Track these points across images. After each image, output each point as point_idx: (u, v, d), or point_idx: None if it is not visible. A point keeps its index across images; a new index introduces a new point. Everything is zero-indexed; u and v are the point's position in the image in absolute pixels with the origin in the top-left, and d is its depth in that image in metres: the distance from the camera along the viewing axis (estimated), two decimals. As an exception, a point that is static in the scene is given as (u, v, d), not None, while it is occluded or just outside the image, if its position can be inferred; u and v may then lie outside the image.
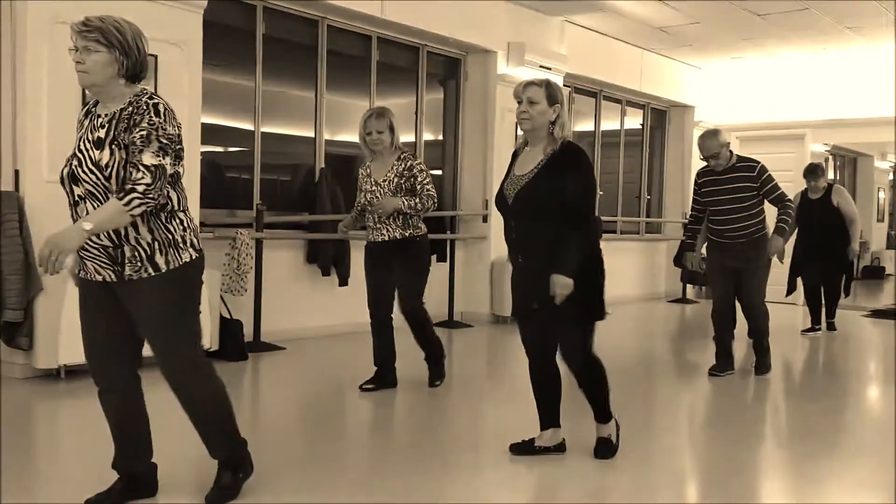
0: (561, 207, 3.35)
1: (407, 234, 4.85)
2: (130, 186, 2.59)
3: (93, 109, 2.81)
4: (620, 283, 10.61)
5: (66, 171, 2.76)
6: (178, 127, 2.73)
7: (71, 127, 5.11)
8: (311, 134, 7.36)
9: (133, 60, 2.72)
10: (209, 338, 5.68)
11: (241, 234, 6.18)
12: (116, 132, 2.67)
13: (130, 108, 2.69)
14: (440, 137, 8.81)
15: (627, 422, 3.92)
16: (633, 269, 11.19)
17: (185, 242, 2.79)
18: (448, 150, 8.84)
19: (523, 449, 3.68)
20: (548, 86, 3.46)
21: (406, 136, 8.37)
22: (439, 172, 8.67)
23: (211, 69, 6.14)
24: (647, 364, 6.76)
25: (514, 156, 3.63)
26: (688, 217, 6.00)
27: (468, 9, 8.07)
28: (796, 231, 7.79)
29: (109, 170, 2.65)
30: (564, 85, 9.41)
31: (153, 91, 2.80)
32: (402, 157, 4.87)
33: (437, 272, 7.92)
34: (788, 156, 10.93)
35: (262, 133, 6.94)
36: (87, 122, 2.80)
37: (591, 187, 3.51)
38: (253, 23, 6.79)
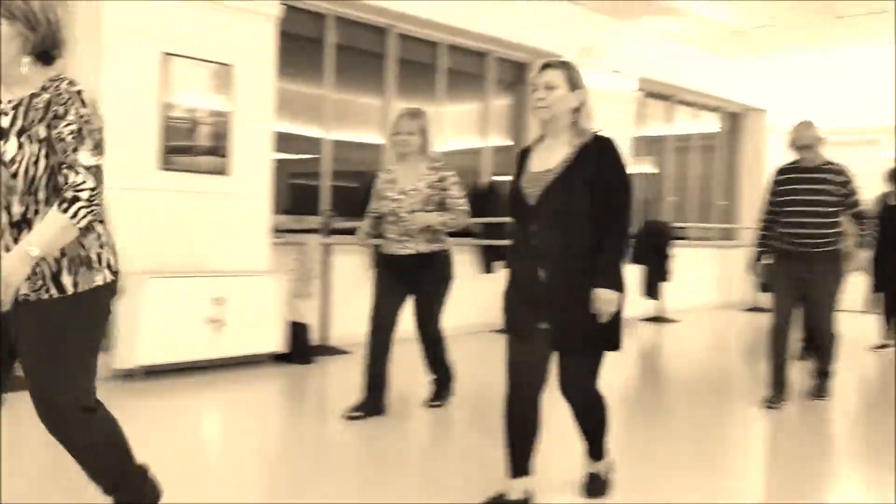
0: (597, 208, 2.85)
1: (434, 248, 4.41)
2: (72, 194, 2.13)
3: None
4: (693, 291, 10.41)
5: None
6: (102, 119, 2.28)
7: (144, 134, 5.36)
8: (379, 141, 7.45)
9: (41, 35, 2.23)
10: (278, 340, 5.81)
11: (309, 239, 6.29)
12: (26, 122, 2.19)
13: (47, 96, 2.21)
14: (509, 143, 8.80)
15: (648, 450, 3.78)
16: (706, 276, 10.96)
17: (100, 261, 2.30)
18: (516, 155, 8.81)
19: None
20: (568, 68, 2.97)
21: (474, 142, 8.39)
22: (508, 178, 8.64)
23: (281, 77, 6.27)
24: (701, 381, 6.57)
25: (524, 154, 3.08)
26: (761, 221, 5.41)
27: (536, 13, 8.05)
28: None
29: (16, 166, 2.17)
30: (638, 89, 9.32)
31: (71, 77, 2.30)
32: (434, 166, 4.42)
33: (501, 278, 7.91)
34: (863, 161, 10.55)
35: (332, 140, 7.05)
36: None
37: (628, 182, 2.96)
38: (323, 32, 6.92)
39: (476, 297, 7.27)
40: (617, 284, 2.83)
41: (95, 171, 2.17)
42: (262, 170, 6.03)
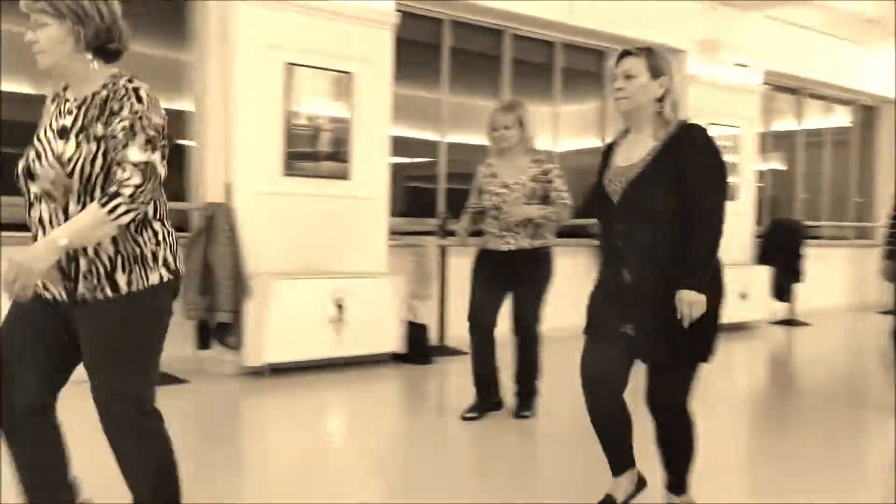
0: (687, 204, 2.62)
1: (536, 245, 4.26)
2: (115, 189, 2.06)
3: (62, 93, 2.27)
4: (826, 292, 9.89)
5: (21, 166, 2.20)
6: (164, 118, 2.19)
7: (271, 141, 5.58)
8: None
9: (94, 29, 2.17)
10: (396, 341, 5.92)
11: (425, 241, 6.38)
12: (86, 120, 2.15)
13: (105, 93, 2.17)
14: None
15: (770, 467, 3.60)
16: (840, 277, 10.39)
17: (155, 259, 2.22)
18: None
19: None
20: (649, 55, 2.72)
21: (592, 141, 8.28)
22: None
23: (398, 83, 6.38)
24: (834, 386, 6.19)
25: (610, 148, 2.89)
26: (891, 219, 5.14)
27: (655, 8, 7.86)
28: None
29: (72, 165, 2.12)
30: (764, 83, 8.95)
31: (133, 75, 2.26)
32: (537, 159, 4.30)
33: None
34: None
35: (448, 143, 7.13)
36: (52, 108, 2.26)
37: (724, 175, 2.74)
38: (439, 36, 7.00)
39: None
40: (704, 286, 2.60)
41: (144, 168, 2.09)
42: (380, 173, 6.16)
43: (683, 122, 2.72)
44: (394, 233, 6.34)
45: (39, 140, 2.20)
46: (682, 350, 2.67)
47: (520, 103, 4.36)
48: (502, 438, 4.13)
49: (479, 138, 7.73)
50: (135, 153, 2.09)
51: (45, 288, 2.18)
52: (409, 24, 6.56)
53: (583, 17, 7.32)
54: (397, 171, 6.69)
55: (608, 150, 2.88)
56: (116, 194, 2.06)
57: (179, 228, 5.47)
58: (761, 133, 9.31)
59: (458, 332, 6.56)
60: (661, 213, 2.64)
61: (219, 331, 5.36)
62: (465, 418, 4.34)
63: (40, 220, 2.16)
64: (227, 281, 5.27)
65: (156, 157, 2.12)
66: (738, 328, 8.20)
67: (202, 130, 5.64)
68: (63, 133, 2.16)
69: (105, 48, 2.21)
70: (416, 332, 6.13)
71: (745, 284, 8.03)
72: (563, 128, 7.98)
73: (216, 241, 5.28)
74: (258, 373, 5.35)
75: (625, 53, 2.74)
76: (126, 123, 2.11)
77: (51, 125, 2.21)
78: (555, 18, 7.24)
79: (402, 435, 4.43)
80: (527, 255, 4.25)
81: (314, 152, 5.77)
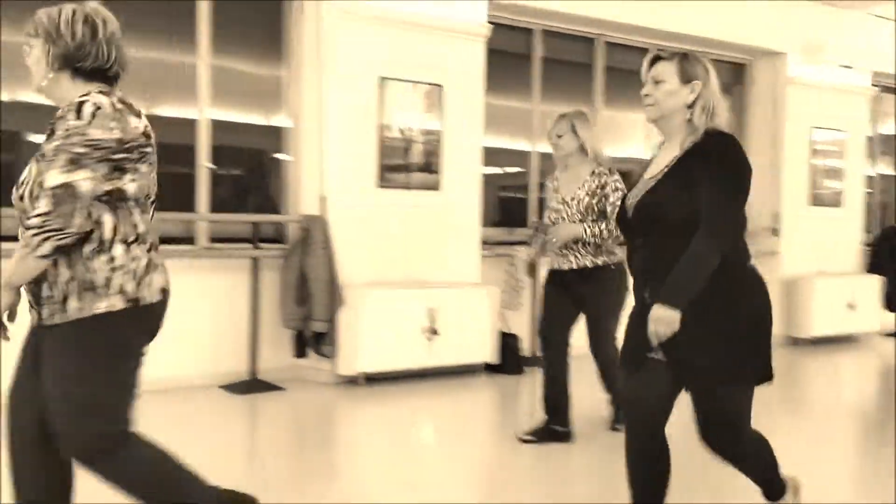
0: (700, 217, 2.41)
1: (599, 262, 4.03)
2: (27, 220, 2.01)
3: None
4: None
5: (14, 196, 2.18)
6: (122, 129, 2.08)
7: (365, 154, 5.69)
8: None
9: (62, 48, 2.11)
10: (489, 352, 5.92)
11: (517, 251, 6.36)
12: (45, 141, 2.10)
13: (60, 112, 2.09)
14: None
15: None
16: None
17: (108, 286, 2.09)
18: (733, 160, 8.40)
19: None
20: (682, 59, 2.52)
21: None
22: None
23: (489, 93, 6.40)
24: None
25: (651, 160, 2.73)
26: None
27: (752, 10, 7.63)
28: None
29: (23, 189, 2.10)
30: (872, 84, 8.55)
31: (113, 92, 2.17)
32: (596, 171, 4.06)
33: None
34: None
35: (539, 153, 7.10)
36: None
37: (736, 187, 2.46)
38: (530, 46, 6.99)
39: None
40: (678, 302, 2.34)
41: (57, 192, 1.97)
42: (472, 184, 6.19)
43: (710, 129, 2.50)
44: (486, 243, 6.36)
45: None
46: (736, 371, 2.43)
47: (577, 112, 4.16)
48: (594, 455, 4.06)
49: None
50: (52, 177, 1.99)
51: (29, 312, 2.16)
52: (501, 34, 6.58)
53: (676, 21, 7.18)
54: (489, 181, 6.70)
55: (650, 161, 2.72)
56: (28, 226, 2.00)
57: (276, 241, 5.69)
58: (869, 137, 8.90)
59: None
60: (675, 228, 2.43)
61: (315, 340, 5.48)
62: (521, 440, 4.11)
63: None
64: (322, 291, 5.39)
65: (80, 176, 1.99)
66: (846, 340, 7.84)
67: (298, 145, 5.80)
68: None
69: (80, 67, 2.14)
70: (508, 342, 6.11)
71: (853, 294, 7.68)
72: (657, 136, 7.82)
73: (311, 252, 5.41)
74: (353, 381, 5.44)
75: (656, 58, 2.56)
76: (54, 144, 2.04)
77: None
78: (647, 25, 7.11)
79: (491, 444, 4.42)
80: (589, 273, 4.06)
81: (406, 164, 5.85)
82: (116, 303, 2.10)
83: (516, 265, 6.35)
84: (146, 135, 2.16)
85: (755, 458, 2.61)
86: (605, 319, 4.12)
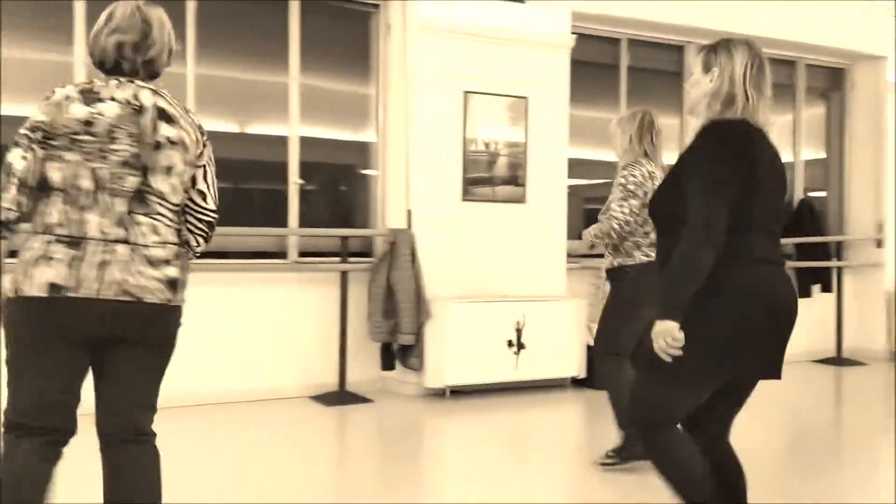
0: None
1: (616, 265, 3.87)
2: None
3: None
4: None
5: None
6: (54, 115, 2.11)
7: (450, 168, 5.72)
8: (673, 159, 7.22)
9: (89, 51, 2.27)
10: (576, 365, 5.84)
11: (602, 263, 6.26)
12: None
13: None
14: (823, 155, 8.08)
15: None
16: None
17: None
18: (832, 168, 8.08)
19: None
20: (708, 49, 2.45)
21: (784, 156, 7.82)
22: (823, 193, 7.99)
23: (574, 104, 6.34)
24: None
25: None
26: None
27: (851, 13, 7.34)
28: None
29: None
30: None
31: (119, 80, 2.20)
32: (626, 165, 3.92)
33: (822, 303, 7.28)
34: None
35: (627, 163, 6.99)
36: None
37: (711, 177, 2.28)
38: (616, 56, 6.91)
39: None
40: (670, 312, 2.24)
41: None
42: (558, 197, 6.15)
43: (715, 119, 2.39)
44: (571, 255, 6.29)
45: None
46: (637, 359, 2.44)
47: (630, 112, 4.02)
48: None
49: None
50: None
51: None
52: (585, 44, 6.53)
53: (770, 26, 6.96)
54: (574, 192, 6.64)
55: None
56: None
57: (364, 254, 5.79)
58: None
59: (640, 356, 6.42)
60: (664, 226, 2.42)
61: (402, 353, 5.53)
62: (602, 464, 3.81)
63: None
64: (408, 304, 5.44)
65: (13, 154, 2.10)
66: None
67: (384, 159, 5.89)
68: None
69: (100, 65, 2.24)
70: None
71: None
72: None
73: (398, 265, 5.48)
74: (440, 394, 5.47)
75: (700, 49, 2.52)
76: None
77: None
78: (739, 30, 6.92)
79: (575, 460, 4.35)
80: (610, 274, 3.96)
81: (491, 177, 5.86)
82: (7, 288, 2.12)
83: (602, 277, 6.26)
84: (87, 122, 2.11)
85: (664, 464, 2.42)
86: (610, 324, 3.92)
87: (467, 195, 5.77)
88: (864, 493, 3.74)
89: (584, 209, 7.16)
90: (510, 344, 5.59)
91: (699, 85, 2.44)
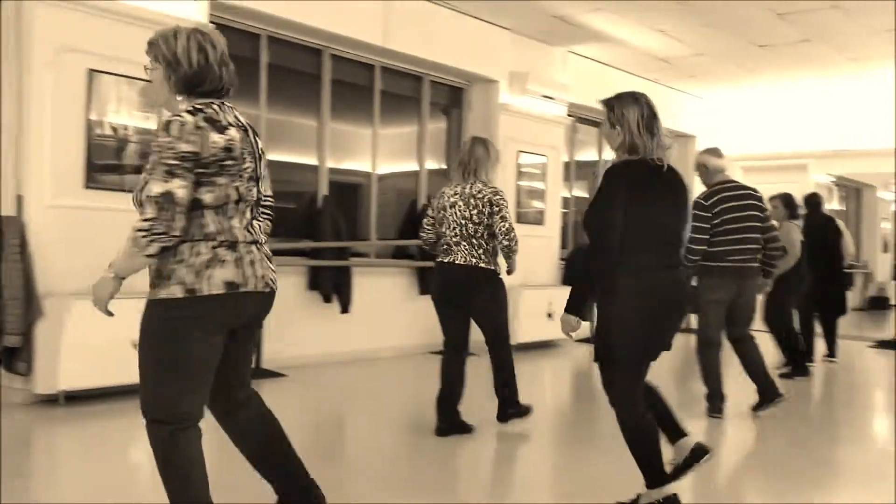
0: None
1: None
2: (137, 224, 2.37)
3: None
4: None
5: None
6: (201, 144, 2.39)
7: (73, 153, 5.20)
8: (314, 161, 7.40)
9: (182, 74, 2.48)
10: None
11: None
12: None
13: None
14: (444, 166, 8.84)
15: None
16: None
17: (170, 278, 2.47)
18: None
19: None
20: (609, 109, 3.18)
21: (409, 165, 8.41)
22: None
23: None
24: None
25: None
26: None
27: (471, 39, 8.15)
28: None
29: (133, 195, 2.48)
30: (568, 114, 9.46)
31: (209, 106, 2.48)
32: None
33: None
34: (792, 185, 10.95)
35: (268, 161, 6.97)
36: None
37: (598, 212, 3.04)
38: (257, 52, 6.86)
39: (415, 317, 7.29)
40: (568, 307, 3.15)
41: (158, 200, 2.33)
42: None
43: (615, 162, 3.16)
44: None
45: None
46: (596, 351, 3.15)
47: (472, 139, 4.90)
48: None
49: (297, 157, 7.66)
50: (154, 186, 2.35)
51: None
52: (226, 37, 6.37)
53: (399, 42, 7.45)
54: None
55: None
56: (137, 229, 2.35)
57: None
58: (566, 162, 9.85)
59: (276, 354, 6.44)
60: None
61: (6, 356, 4.91)
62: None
63: None
64: (13, 301, 4.84)
65: (174, 184, 2.34)
66: (544, 346, 8.59)
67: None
68: None
69: (199, 91, 2.50)
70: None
71: (552, 304, 8.43)
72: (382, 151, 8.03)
73: (4, 257, 4.84)
74: (52, 401, 4.94)
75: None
76: (152, 158, 2.40)
77: None
78: (371, 41, 7.29)
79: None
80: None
81: (120, 165, 5.44)
82: (175, 292, 2.43)
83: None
84: (227, 149, 2.44)
85: (631, 436, 3.11)
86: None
87: (91, 182, 5.28)
88: None
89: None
90: (135, 344, 5.22)
91: (611, 137, 3.15)
